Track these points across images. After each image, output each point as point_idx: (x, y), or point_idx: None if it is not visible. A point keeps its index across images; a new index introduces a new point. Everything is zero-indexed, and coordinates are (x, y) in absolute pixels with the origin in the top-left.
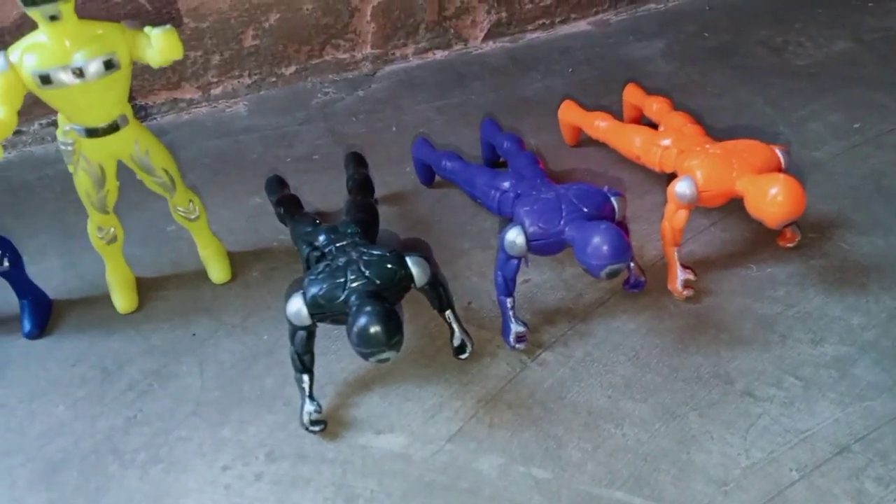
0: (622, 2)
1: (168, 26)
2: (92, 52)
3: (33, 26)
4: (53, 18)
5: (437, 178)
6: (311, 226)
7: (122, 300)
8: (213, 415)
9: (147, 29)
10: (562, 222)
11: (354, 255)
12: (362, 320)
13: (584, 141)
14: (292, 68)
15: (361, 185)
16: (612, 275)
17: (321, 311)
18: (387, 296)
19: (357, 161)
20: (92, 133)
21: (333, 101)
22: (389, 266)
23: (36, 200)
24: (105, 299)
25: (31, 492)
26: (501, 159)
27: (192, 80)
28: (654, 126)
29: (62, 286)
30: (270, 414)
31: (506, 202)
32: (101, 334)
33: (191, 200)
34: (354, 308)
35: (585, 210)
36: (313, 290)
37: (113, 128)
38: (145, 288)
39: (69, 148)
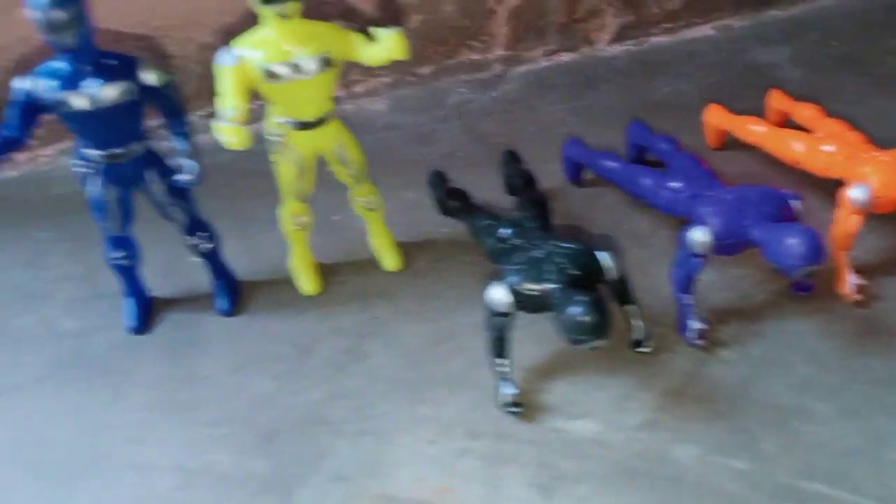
0: (745, 7)
1: (398, 28)
2: (312, 50)
3: (253, 22)
4: (284, 17)
5: (585, 177)
6: (493, 219)
7: (308, 282)
8: (408, 393)
9: (374, 29)
10: (747, 223)
11: (550, 247)
12: (576, 309)
13: (726, 144)
14: (429, 68)
15: (529, 181)
16: (807, 275)
17: (522, 299)
18: (583, 287)
19: (515, 159)
20: (303, 126)
21: (468, 101)
22: (585, 259)
23: (209, 187)
24: (286, 282)
25: (253, 456)
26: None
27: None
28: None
29: (245, 269)
30: (462, 395)
31: (679, 202)
32: (291, 314)
33: (372, 192)
34: (561, 298)
35: (769, 211)
36: (515, 280)
37: (321, 122)
38: (322, 273)
39: (278, 139)
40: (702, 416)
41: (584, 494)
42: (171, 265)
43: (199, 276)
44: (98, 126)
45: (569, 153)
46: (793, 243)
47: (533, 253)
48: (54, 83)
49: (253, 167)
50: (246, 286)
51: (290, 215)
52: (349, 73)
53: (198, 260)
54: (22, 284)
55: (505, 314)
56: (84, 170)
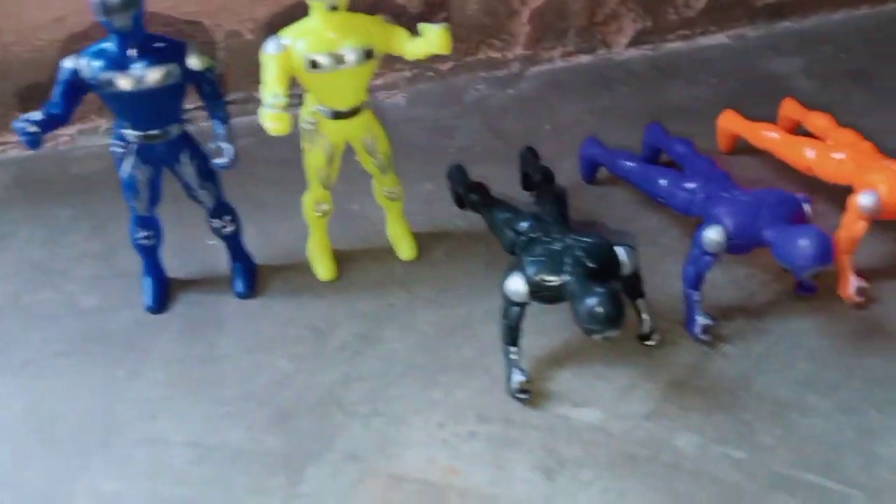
0: (760, 18)
1: (445, 24)
2: (355, 42)
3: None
4: (333, 9)
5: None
6: (513, 213)
7: (325, 269)
8: (422, 377)
9: (421, 25)
10: (760, 224)
11: (569, 241)
12: (592, 300)
13: (738, 149)
14: (449, 64)
15: (548, 177)
16: (814, 275)
17: (539, 289)
18: (599, 280)
19: (534, 155)
20: (337, 115)
21: (486, 98)
22: (603, 253)
23: (223, 174)
24: (302, 267)
25: (268, 433)
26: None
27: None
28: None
29: (260, 253)
30: (474, 380)
31: (694, 203)
32: (308, 298)
33: (396, 183)
34: (578, 289)
35: (781, 213)
36: (533, 270)
37: (355, 112)
38: (339, 260)
39: (311, 127)
40: (703, 407)
41: (587, 479)
42: (184, 247)
43: (212, 259)
44: (139, 107)
45: (586, 152)
46: (804, 245)
47: (552, 246)
48: (101, 63)
49: (265, 155)
50: (262, 270)
51: (314, 202)
52: None
53: (214, 243)
54: (41, 261)
55: (521, 304)
56: (120, 150)
